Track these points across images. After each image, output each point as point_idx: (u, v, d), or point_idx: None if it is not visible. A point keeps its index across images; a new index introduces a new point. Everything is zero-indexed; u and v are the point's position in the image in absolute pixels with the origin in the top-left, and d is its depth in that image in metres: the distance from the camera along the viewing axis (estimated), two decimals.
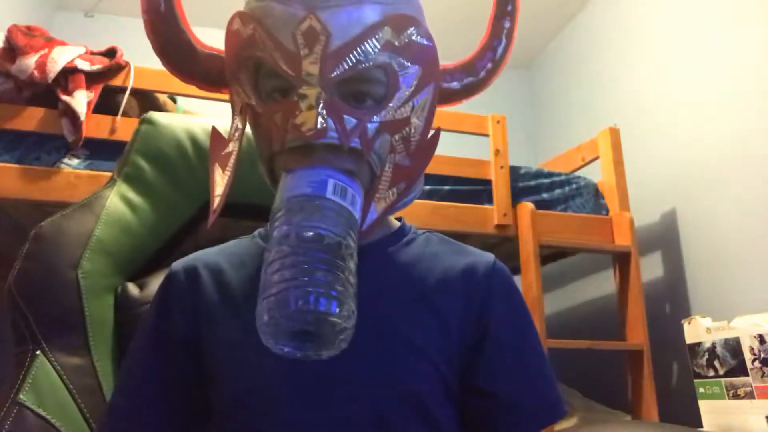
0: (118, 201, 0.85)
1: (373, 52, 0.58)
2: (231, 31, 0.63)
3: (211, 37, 0.72)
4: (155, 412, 0.64)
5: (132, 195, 0.87)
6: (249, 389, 0.60)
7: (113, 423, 0.64)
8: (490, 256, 0.70)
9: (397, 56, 0.60)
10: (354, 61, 0.58)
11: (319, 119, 0.55)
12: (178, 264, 0.69)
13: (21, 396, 0.69)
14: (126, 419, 0.64)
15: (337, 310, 0.48)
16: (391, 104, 0.61)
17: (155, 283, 0.81)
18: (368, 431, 0.59)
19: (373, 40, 0.59)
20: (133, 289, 0.81)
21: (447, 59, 0.70)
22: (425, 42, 0.63)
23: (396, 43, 0.60)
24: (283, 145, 0.57)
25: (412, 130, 0.63)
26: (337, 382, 0.59)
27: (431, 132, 0.66)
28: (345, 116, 0.57)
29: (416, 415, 0.60)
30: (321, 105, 0.56)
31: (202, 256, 0.70)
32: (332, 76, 0.57)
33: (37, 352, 0.72)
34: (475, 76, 0.74)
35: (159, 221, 0.87)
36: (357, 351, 0.56)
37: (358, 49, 0.58)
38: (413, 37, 0.62)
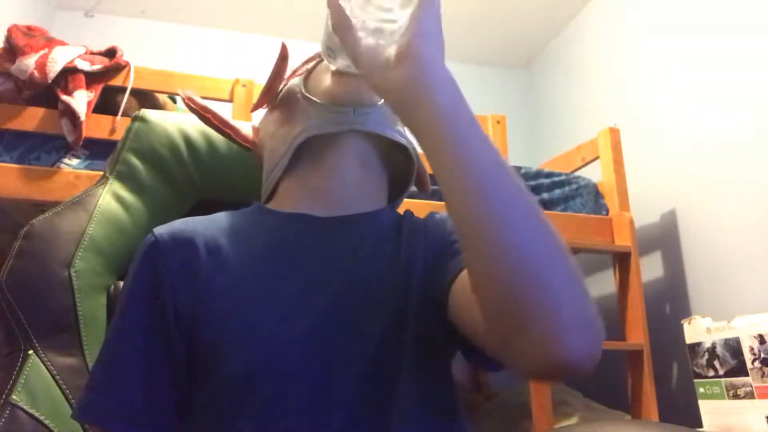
0: (110, 199, 0.84)
1: None
2: None
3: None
4: (138, 397, 0.60)
5: (124, 193, 0.86)
6: (259, 355, 0.58)
7: (94, 404, 0.60)
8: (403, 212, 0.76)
9: None
10: None
11: None
12: (162, 233, 0.65)
13: (14, 396, 0.68)
14: (107, 402, 0.60)
15: None
16: None
17: None
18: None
19: None
20: None
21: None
22: None
23: None
24: None
25: None
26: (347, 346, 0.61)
27: None
28: None
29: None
30: None
31: (189, 224, 0.66)
32: None
33: (30, 352, 0.71)
34: None
35: (151, 220, 0.86)
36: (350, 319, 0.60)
37: None
38: None
